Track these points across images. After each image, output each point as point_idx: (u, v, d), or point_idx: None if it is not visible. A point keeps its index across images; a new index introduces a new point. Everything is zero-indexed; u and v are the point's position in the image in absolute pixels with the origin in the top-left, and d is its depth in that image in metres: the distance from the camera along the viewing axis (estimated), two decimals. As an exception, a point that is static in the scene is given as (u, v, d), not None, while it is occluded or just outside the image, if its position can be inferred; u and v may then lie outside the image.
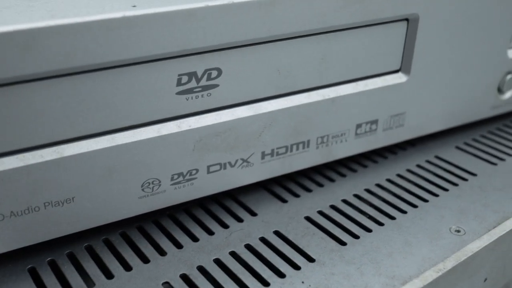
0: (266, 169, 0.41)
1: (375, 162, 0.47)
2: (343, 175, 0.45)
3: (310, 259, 0.35)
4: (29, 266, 0.34)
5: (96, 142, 0.33)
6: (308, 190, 0.43)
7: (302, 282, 0.33)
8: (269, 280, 0.33)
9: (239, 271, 0.34)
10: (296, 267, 0.35)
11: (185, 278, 0.34)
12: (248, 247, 0.37)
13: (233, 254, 0.36)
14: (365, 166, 0.47)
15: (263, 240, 0.37)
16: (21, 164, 0.31)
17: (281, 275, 0.34)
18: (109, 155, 0.34)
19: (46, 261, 0.34)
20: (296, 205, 0.41)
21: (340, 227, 0.39)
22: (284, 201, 0.42)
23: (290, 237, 0.38)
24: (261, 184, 0.44)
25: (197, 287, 0.33)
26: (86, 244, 0.36)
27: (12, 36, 0.28)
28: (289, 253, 0.36)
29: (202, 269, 0.34)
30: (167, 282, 0.33)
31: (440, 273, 0.33)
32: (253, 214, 0.40)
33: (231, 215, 0.40)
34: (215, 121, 0.37)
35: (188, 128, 0.36)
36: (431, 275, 0.33)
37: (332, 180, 0.45)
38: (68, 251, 0.35)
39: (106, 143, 0.34)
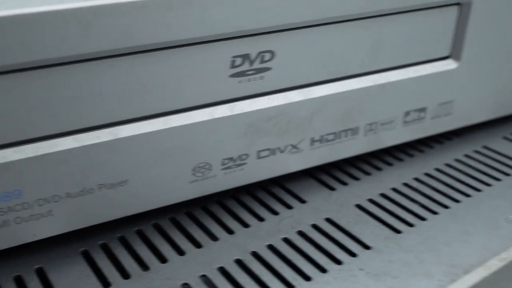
0: (315, 156, 0.40)
1: (421, 151, 0.46)
2: (390, 164, 0.45)
3: (366, 246, 0.35)
4: (82, 249, 0.34)
5: (150, 124, 0.33)
6: (356, 178, 0.43)
7: (361, 269, 0.33)
8: (326, 267, 0.33)
9: (294, 257, 0.34)
10: (352, 254, 0.34)
11: (239, 263, 0.33)
12: (301, 233, 0.36)
13: (286, 240, 0.35)
14: (411, 156, 0.46)
15: (315, 227, 0.37)
16: (77, 144, 0.31)
17: (337, 262, 0.33)
18: (162, 138, 0.33)
19: (98, 244, 0.34)
20: (345, 193, 0.41)
21: (393, 215, 0.38)
22: (332, 188, 0.41)
23: (342, 224, 0.37)
24: (308, 172, 0.43)
25: (253, 272, 0.32)
26: (136, 228, 0.36)
27: (73, 13, 0.28)
28: (343, 240, 0.35)
29: (255, 255, 0.34)
30: (221, 267, 0.33)
31: (504, 262, 0.32)
32: (302, 201, 0.39)
33: (280, 202, 0.39)
34: (267, 105, 0.36)
35: (240, 111, 0.35)
36: (494, 264, 0.32)
37: (379, 168, 0.44)
38: (119, 235, 0.35)
39: (159, 125, 0.33)
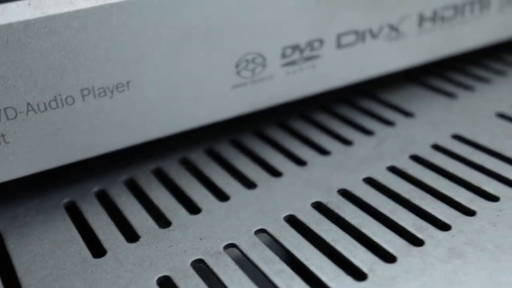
0: (425, 45, 0.26)
1: None
2: (532, 60, 0.30)
3: (536, 171, 0.21)
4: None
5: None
6: (485, 80, 0.28)
7: (538, 207, 0.19)
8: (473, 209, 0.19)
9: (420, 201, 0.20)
10: (513, 183, 0.20)
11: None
12: (416, 158, 0.22)
13: (393, 169, 0.22)
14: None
15: (438, 148, 0.23)
16: (37, 14, 0.18)
17: (493, 198, 0.20)
18: (183, 8, 0.20)
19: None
20: (474, 100, 0.26)
21: None
22: (451, 95, 0.27)
23: (482, 142, 0.23)
24: (411, 75, 0.29)
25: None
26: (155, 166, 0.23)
27: None
28: (493, 165, 0.21)
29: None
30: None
31: None
32: (408, 114, 0.26)
33: (375, 118, 0.26)
34: (350, -49, 0.22)
35: (307, -38, 0.22)
36: None
37: (517, 67, 0.29)
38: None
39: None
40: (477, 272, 0.17)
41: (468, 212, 0.19)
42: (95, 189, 0.22)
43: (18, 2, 0.18)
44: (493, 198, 0.20)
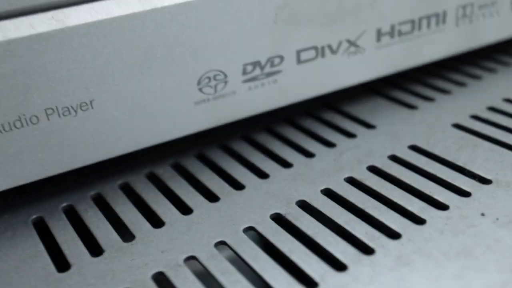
0: (384, 59, 0.27)
1: (533, 52, 0.33)
2: (490, 70, 0.31)
3: (484, 180, 0.22)
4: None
5: (119, 4, 0.20)
6: (445, 91, 0.29)
7: (482, 214, 0.20)
8: (422, 219, 0.20)
9: (370, 209, 0.21)
10: (463, 193, 0.21)
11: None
12: (373, 169, 0.23)
13: (351, 180, 0.23)
14: (519, 59, 0.32)
15: (395, 158, 0.24)
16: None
17: (441, 206, 0.20)
18: (143, 26, 0.21)
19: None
20: (433, 111, 0.27)
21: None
22: (411, 107, 0.28)
23: (438, 152, 0.24)
24: (371, 87, 0.30)
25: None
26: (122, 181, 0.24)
27: None
28: (445, 174, 0.22)
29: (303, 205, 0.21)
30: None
31: None
32: (369, 126, 0.27)
33: (337, 130, 0.27)
34: (306, -29, 0.23)
35: (264, -18, 0.23)
36: None
37: (476, 77, 0.30)
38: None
39: (136, 5, 0.21)
40: (422, 279, 0.17)
41: (419, 220, 0.20)
42: (63, 204, 0.23)
43: (-20, 27, 0.19)
44: (443, 207, 0.20)
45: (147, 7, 0.21)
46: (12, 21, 0.19)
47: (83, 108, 0.21)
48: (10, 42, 0.19)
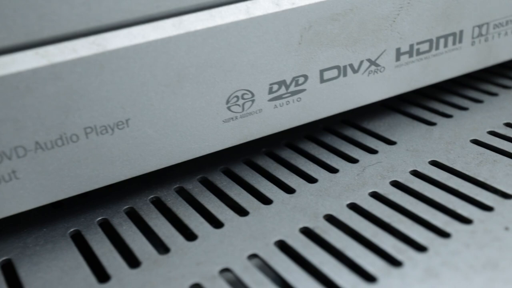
0: (403, 77, 0.28)
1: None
2: (506, 87, 0.32)
3: (506, 195, 0.22)
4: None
5: (156, 28, 0.22)
6: (462, 108, 0.30)
7: (506, 228, 0.20)
8: (446, 233, 0.21)
9: (397, 223, 0.22)
10: (486, 207, 0.22)
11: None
12: (397, 184, 0.24)
13: (375, 195, 0.23)
14: (533, 76, 0.33)
15: (417, 174, 0.25)
16: (43, 62, 0.20)
17: (464, 220, 0.21)
18: (175, 50, 0.22)
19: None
20: (452, 127, 0.28)
21: (533, 148, 0.25)
22: (430, 123, 0.29)
23: (458, 168, 0.25)
24: (389, 105, 0.31)
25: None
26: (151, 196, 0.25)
27: None
28: (467, 189, 0.23)
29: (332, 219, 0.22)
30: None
31: None
32: (390, 142, 0.27)
33: (359, 146, 0.27)
34: (330, -5, 0.24)
35: (291, 6, 0.24)
36: None
37: (492, 94, 0.31)
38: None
39: (169, 30, 0.22)
40: (450, 290, 0.18)
41: (444, 234, 0.21)
42: (98, 218, 0.24)
43: (27, 52, 0.20)
44: (467, 221, 0.21)
45: (181, 31, 0.22)
46: (56, 46, 0.20)
47: (119, 127, 0.22)
48: (54, 66, 0.20)
